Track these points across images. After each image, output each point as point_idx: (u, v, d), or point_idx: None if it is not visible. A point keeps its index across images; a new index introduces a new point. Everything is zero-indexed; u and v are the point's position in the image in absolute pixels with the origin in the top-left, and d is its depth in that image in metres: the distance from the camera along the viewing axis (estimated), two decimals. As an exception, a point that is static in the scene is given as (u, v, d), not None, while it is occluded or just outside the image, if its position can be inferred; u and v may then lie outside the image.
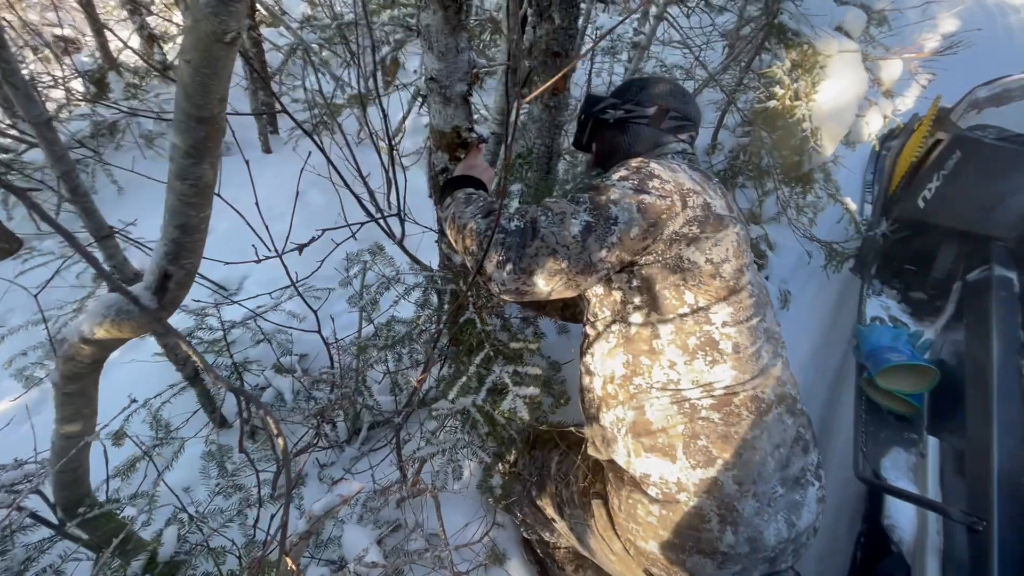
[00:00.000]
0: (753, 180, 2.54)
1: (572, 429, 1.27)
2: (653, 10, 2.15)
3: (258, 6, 3.08)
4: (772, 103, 1.82)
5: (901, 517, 1.27)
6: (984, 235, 1.85)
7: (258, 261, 1.06)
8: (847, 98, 1.78)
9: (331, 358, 1.46)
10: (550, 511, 1.20)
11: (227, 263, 1.23)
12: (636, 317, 0.93)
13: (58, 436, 0.83)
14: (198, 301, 1.59)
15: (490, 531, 1.34)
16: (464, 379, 1.24)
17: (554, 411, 1.33)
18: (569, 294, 0.92)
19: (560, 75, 0.82)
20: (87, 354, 0.73)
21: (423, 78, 1.16)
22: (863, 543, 1.41)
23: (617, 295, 0.96)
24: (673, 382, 0.90)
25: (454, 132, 1.22)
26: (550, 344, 1.59)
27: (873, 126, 2.31)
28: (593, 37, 3.14)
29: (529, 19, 1.55)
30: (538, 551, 1.35)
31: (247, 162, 1.21)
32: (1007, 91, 2.13)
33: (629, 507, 0.94)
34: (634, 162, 0.96)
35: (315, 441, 1.49)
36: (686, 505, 0.87)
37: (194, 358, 0.71)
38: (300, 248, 1.04)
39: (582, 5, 2.42)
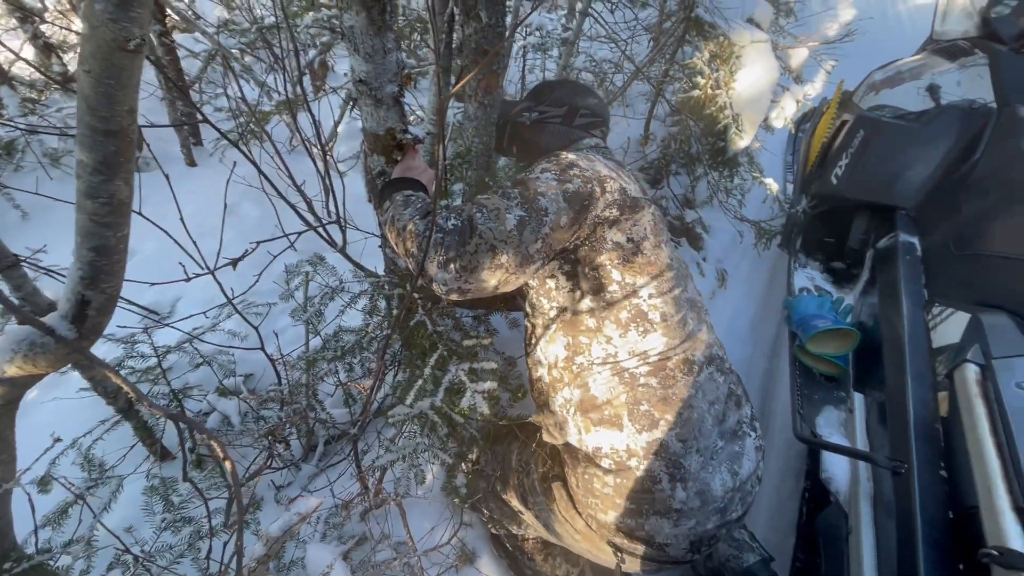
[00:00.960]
0: (685, 167, 2.66)
1: (530, 420, 1.29)
2: (579, 6, 2.20)
3: (168, 11, 2.89)
4: (695, 92, 1.92)
5: (836, 470, 1.38)
6: (889, 205, 2.02)
7: (188, 280, 1.01)
8: (762, 85, 1.90)
9: (278, 375, 1.40)
10: (515, 503, 1.21)
11: (154, 284, 1.16)
12: (571, 301, 0.99)
13: (-29, 488, 0.76)
14: (125, 327, 1.49)
15: (458, 531, 1.34)
16: (420, 382, 1.23)
17: (512, 405, 1.34)
18: (511, 287, 0.95)
19: (481, 69, 0.83)
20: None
21: (353, 81, 1.13)
22: (807, 498, 1.52)
23: (551, 283, 1.01)
24: (612, 356, 0.96)
25: (388, 134, 1.21)
26: (503, 339, 1.60)
27: (788, 110, 2.47)
28: (523, 34, 3.17)
29: (456, 18, 1.55)
30: (507, 545, 1.36)
31: (167, 176, 1.14)
32: (899, 73, 2.34)
33: (586, 482, 0.98)
34: (552, 156, 1.03)
35: (268, 462, 1.43)
36: (638, 469, 0.92)
37: (125, 388, 0.67)
38: (233, 263, 0.99)
39: (509, 3, 2.44)
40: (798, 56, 2.32)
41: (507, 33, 1.83)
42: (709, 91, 1.90)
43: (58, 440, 0.93)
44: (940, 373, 1.30)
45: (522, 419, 1.32)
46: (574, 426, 1.00)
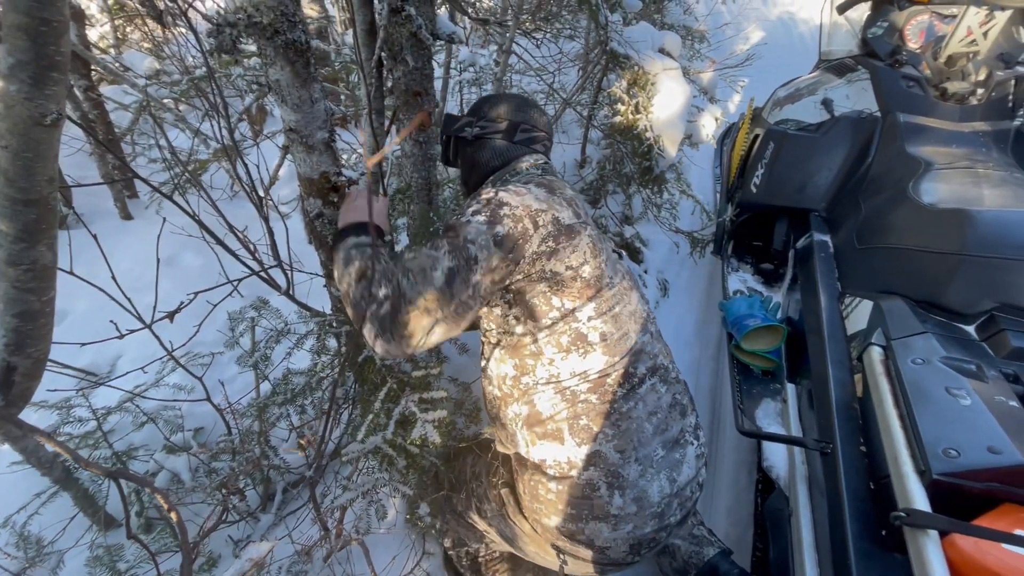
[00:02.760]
0: (620, 187, 2.81)
1: (485, 433, 1.33)
2: (505, 45, 2.34)
3: (93, 65, 2.84)
4: (617, 118, 2.06)
5: (776, 458, 1.47)
6: (803, 208, 2.21)
7: (121, 336, 1.00)
8: (676, 108, 2.06)
9: (227, 425, 1.38)
10: (473, 516, 1.24)
11: (85, 344, 1.14)
12: (516, 327, 1.03)
13: None
14: (60, 391, 1.43)
15: (420, 561, 1.34)
16: (371, 417, 1.24)
17: (468, 427, 1.37)
18: (456, 334, 0.96)
19: (409, 112, 0.89)
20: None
21: (284, 130, 1.17)
22: (759, 489, 1.61)
23: (497, 311, 1.05)
24: (555, 376, 1.00)
25: (323, 178, 1.25)
26: (456, 365, 1.63)
27: (709, 128, 2.67)
28: (459, 70, 3.30)
29: (384, 63, 1.62)
30: (466, 566, 1.37)
31: (95, 236, 1.13)
32: (798, 90, 2.58)
33: (532, 488, 1.02)
34: (484, 195, 1.01)
35: (223, 516, 1.39)
36: (579, 479, 0.97)
37: (61, 453, 0.66)
38: (170, 315, 1.00)
39: (440, 44, 2.55)
40: (710, 78, 2.52)
41: (444, 71, 1.91)
42: (630, 116, 2.04)
43: None
44: (854, 357, 1.43)
45: (477, 436, 1.36)
46: (522, 439, 1.04)
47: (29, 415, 1.44)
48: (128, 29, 4.18)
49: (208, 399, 1.33)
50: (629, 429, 0.99)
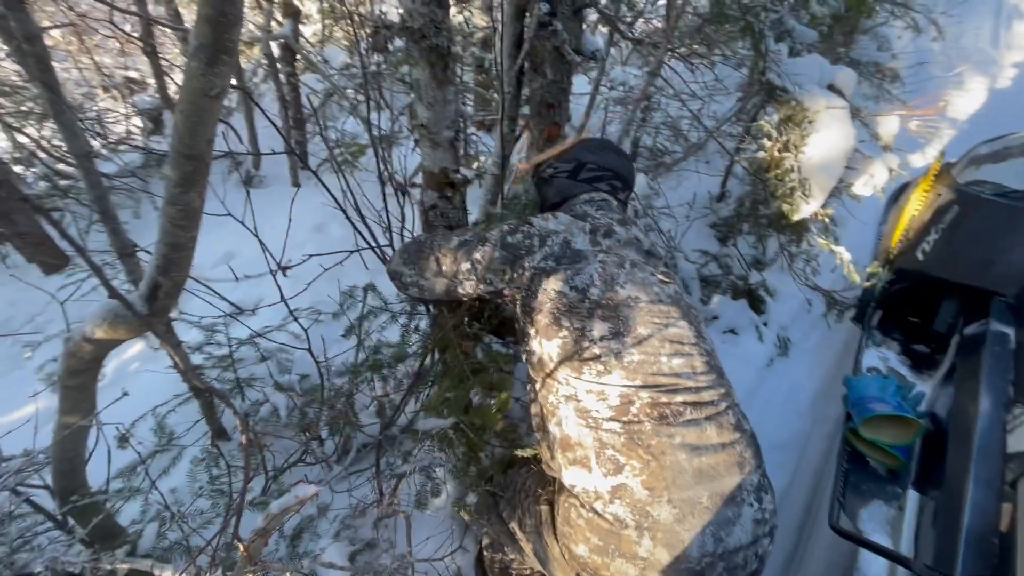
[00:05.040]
0: (755, 228, 2.58)
1: (539, 451, 1.32)
2: (652, 67, 2.28)
3: (299, 56, 3.38)
4: (761, 154, 1.89)
5: (872, 570, 1.24)
6: (983, 289, 1.83)
7: (240, 278, 1.18)
8: (834, 151, 1.83)
9: (321, 377, 1.54)
10: (514, 525, 1.23)
11: (214, 283, 1.35)
12: (534, 345, 1.07)
13: (59, 426, 0.94)
14: (200, 319, 1.72)
15: (455, 552, 1.37)
16: (445, 400, 1.31)
17: (529, 433, 1.38)
18: (444, 293, 1.22)
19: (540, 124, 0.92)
20: (87, 351, 0.84)
21: (415, 125, 1.29)
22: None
23: (520, 327, 1.13)
24: (573, 396, 0.99)
25: (442, 173, 1.35)
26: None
27: (879, 179, 2.34)
28: (607, 87, 3.31)
29: (525, 74, 1.69)
30: (497, 572, 1.37)
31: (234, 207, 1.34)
32: (1007, 148, 2.14)
33: (565, 511, 0.99)
34: (528, 217, 1.21)
35: (303, 456, 1.56)
36: (604, 511, 0.92)
37: (176, 359, 0.80)
38: (283, 269, 1.15)
39: (594, 63, 2.57)
40: (888, 124, 2.20)
41: (592, 88, 1.94)
42: (776, 153, 1.87)
43: (125, 394, 1.10)
44: (1007, 481, 1.15)
45: (535, 451, 1.35)
46: (557, 461, 1.03)
47: (187, 331, 1.77)
48: (334, 28, 4.89)
49: (309, 349, 1.50)
50: (662, 466, 0.91)
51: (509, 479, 1.35)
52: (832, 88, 1.98)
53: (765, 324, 2.31)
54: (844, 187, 2.27)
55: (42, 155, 3.49)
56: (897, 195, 3.08)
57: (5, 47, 3.37)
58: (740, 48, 2.37)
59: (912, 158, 3.76)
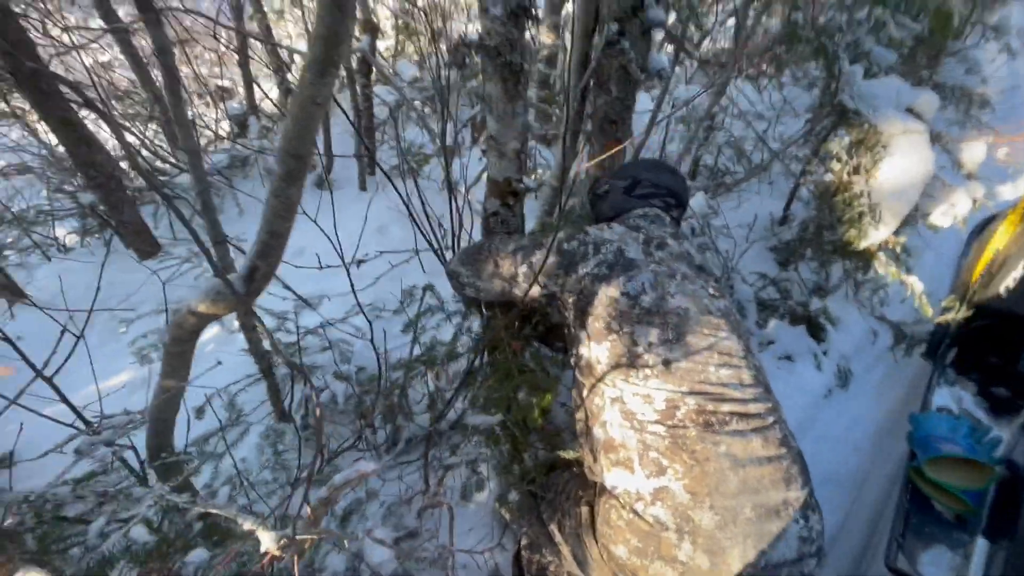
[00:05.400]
0: (818, 254, 2.49)
1: (578, 455, 1.35)
2: (716, 87, 2.28)
3: (374, 69, 3.60)
4: (829, 176, 1.84)
5: (930, 617, 1.17)
6: (1075, 332, 1.69)
7: (319, 268, 1.30)
8: (910, 177, 1.76)
9: (379, 368, 1.64)
10: (554, 527, 1.26)
11: (298, 267, 1.48)
12: (583, 349, 1.11)
13: (159, 389, 1.06)
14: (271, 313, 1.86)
15: (493, 549, 1.40)
16: (495, 398, 1.36)
17: (573, 439, 1.40)
18: (499, 295, 1.30)
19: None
20: (191, 323, 0.95)
21: (484, 137, 1.36)
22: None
23: (569, 332, 1.17)
24: (619, 399, 1.02)
25: (506, 182, 1.41)
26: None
27: (961, 209, 2.21)
28: (671, 106, 3.31)
29: (590, 90, 1.74)
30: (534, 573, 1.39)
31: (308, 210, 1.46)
32: (1112, 182, 1.97)
33: (605, 511, 1.01)
34: (586, 227, 1.26)
35: (356, 442, 1.66)
36: (645, 513, 0.93)
37: (263, 334, 0.90)
38: (360, 262, 1.25)
39: (655, 84, 2.60)
40: (974, 151, 2.09)
41: (655, 106, 1.97)
42: (845, 177, 1.81)
43: (219, 363, 1.22)
44: (1093, 538, 1.06)
45: (578, 456, 1.38)
46: (600, 464, 1.05)
47: (266, 321, 1.92)
48: (406, 44, 5.16)
49: (372, 340, 1.59)
50: (705, 472, 0.92)
51: (550, 482, 1.38)
52: (911, 111, 1.91)
53: (825, 353, 2.21)
54: (920, 216, 2.16)
55: (145, 154, 3.89)
56: (982, 227, 2.87)
57: (119, 56, 3.81)
58: (812, 69, 2.32)
59: (1000, 189, 3.50)
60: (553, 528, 1.29)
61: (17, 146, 4.14)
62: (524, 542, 1.44)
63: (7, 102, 3.29)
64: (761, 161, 2.67)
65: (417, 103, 3.95)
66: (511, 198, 1.43)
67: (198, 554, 1.02)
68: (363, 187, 3.67)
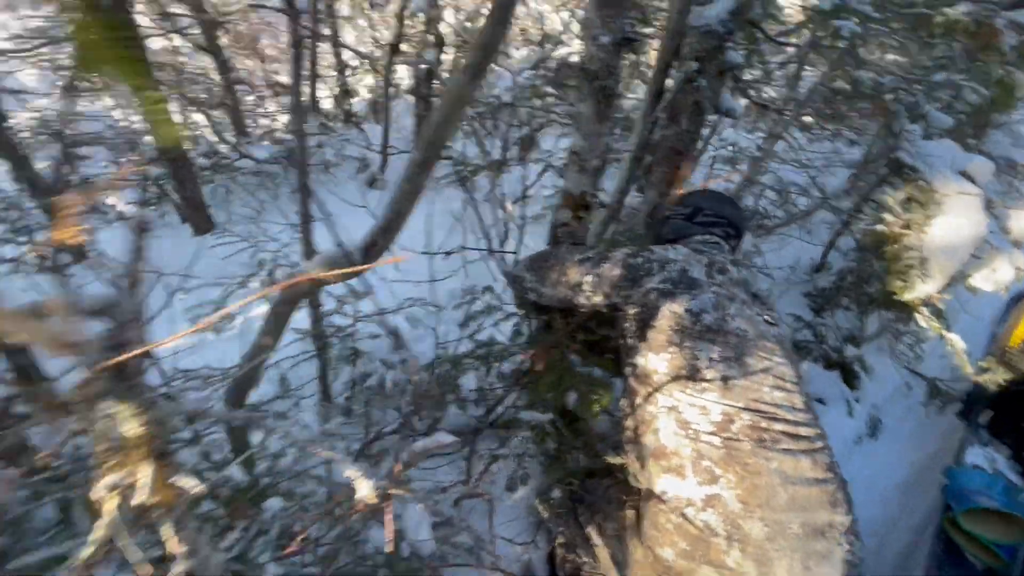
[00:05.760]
0: (857, 303, 2.53)
1: (622, 461, 1.40)
2: (772, 132, 2.37)
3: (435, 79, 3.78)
4: (879, 227, 1.91)
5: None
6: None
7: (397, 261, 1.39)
8: (962, 237, 1.81)
9: (435, 358, 1.72)
10: (592, 530, 1.30)
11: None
12: (640, 359, 1.16)
13: (254, 345, 1.15)
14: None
15: (528, 546, 1.44)
16: (543, 397, 1.43)
17: (616, 447, 1.45)
18: (560, 301, 1.36)
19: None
20: (304, 286, 1.04)
21: (569, 152, 1.46)
22: None
23: (625, 343, 1.22)
24: (675, 408, 1.07)
25: (581, 196, 1.50)
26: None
27: (1003, 276, 2.24)
28: (714, 146, 3.40)
29: (660, 120, 1.84)
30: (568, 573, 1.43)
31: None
32: None
33: (653, 516, 1.06)
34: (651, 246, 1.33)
35: (401, 427, 1.72)
36: (696, 517, 0.98)
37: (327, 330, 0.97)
38: (448, 253, 1.34)
39: (711, 117, 2.70)
40: (1022, 220, 2.14)
41: (702, 144, 2.07)
42: (895, 229, 1.87)
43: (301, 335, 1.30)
44: None
45: (623, 459, 1.42)
46: (648, 471, 1.10)
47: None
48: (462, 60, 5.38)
49: (435, 330, 1.67)
50: (756, 485, 0.96)
51: (591, 486, 1.42)
52: (964, 175, 1.97)
53: (857, 400, 2.24)
54: (961, 276, 2.20)
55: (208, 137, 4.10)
56: (1021, 296, 2.90)
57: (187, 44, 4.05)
58: (869, 123, 2.40)
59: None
60: (591, 530, 1.34)
61: (92, 117, 4.41)
62: (560, 541, 1.49)
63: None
64: (806, 207, 2.74)
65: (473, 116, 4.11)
66: (583, 211, 1.52)
67: (272, 502, 1.09)
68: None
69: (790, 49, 2.30)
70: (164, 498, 0.64)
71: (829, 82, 2.32)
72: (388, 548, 0.93)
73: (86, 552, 0.66)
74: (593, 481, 1.44)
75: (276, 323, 1.11)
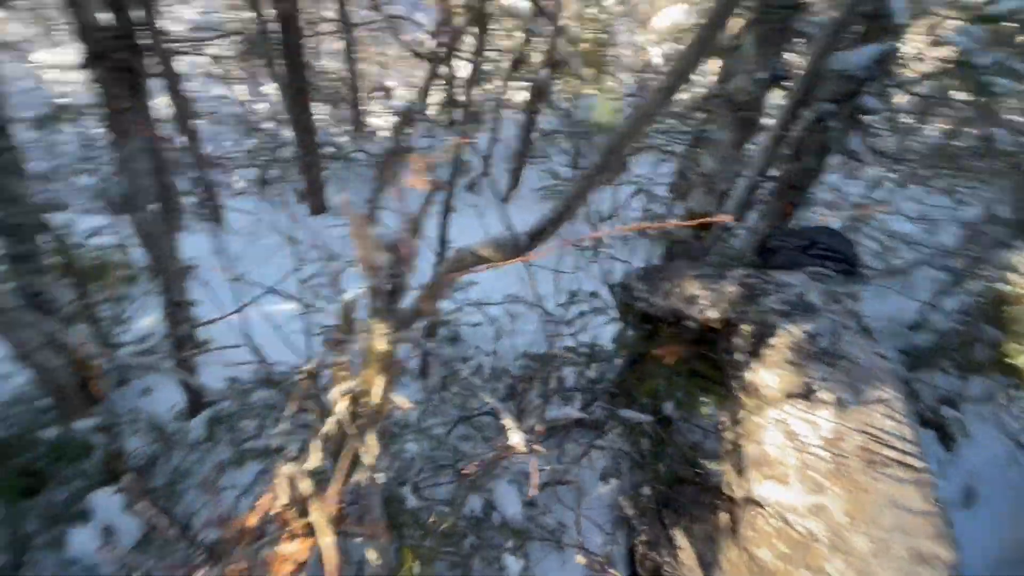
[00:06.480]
0: (958, 366, 2.43)
1: (717, 466, 1.45)
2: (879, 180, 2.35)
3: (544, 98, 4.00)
4: (1004, 286, 1.86)
5: None
6: None
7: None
8: (1095, 306, 1.74)
9: (539, 351, 1.85)
10: (677, 531, 1.36)
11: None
12: (749, 373, 1.20)
13: (414, 305, 1.32)
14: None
15: (607, 542, 1.52)
16: (641, 401, 1.51)
17: (709, 456, 1.51)
18: (670, 313, 1.43)
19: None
20: (468, 260, 1.20)
21: (698, 172, 1.56)
22: None
23: (734, 358, 1.26)
24: (783, 421, 1.10)
25: (704, 215, 1.59)
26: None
27: None
28: (814, 188, 3.37)
29: (778, 155, 1.90)
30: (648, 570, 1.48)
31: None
32: None
33: (751, 519, 1.10)
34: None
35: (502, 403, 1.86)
36: (797, 524, 1.01)
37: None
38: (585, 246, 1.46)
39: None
40: None
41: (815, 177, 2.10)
42: (1020, 290, 1.82)
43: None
44: None
45: (719, 466, 1.48)
46: (746, 478, 1.15)
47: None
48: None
49: (548, 319, 1.80)
50: (864, 502, 0.97)
51: (680, 490, 1.49)
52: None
53: (950, 462, 2.15)
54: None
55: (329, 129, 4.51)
56: None
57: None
58: (989, 180, 2.33)
59: None
60: (676, 531, 1.40)
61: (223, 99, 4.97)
62: (642, 539, 1.55)
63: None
64: (912, 260, 2.67)
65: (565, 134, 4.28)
66: (703, 230, 1.60)
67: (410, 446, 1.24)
68: (504, 199, 4.01)
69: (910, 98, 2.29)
70: (381, 409, 0.79)
71: (953, 137, 2.29)
72: (531, 493, 1.04)
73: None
74: (682, 486, 1.51)
75: (436, 290, 1.27)
